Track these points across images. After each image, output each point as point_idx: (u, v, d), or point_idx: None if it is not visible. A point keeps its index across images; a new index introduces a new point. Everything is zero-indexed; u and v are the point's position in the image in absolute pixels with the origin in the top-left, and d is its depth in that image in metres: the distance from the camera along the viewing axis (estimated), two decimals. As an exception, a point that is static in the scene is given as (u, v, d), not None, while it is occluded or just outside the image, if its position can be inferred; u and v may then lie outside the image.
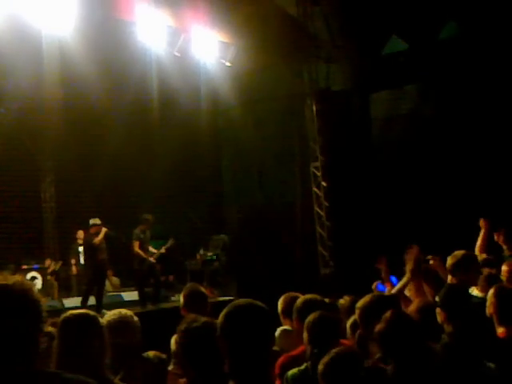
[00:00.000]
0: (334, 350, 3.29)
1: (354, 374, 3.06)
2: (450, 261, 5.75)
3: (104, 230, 12.22)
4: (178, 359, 3.58)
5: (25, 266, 13.99)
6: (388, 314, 3.64)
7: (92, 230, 12.24)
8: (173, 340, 3.76)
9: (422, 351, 3.53)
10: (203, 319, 3.24)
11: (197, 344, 3.11)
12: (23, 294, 2.17)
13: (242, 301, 2.63)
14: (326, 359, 3.17)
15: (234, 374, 2.53)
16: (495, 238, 7.17)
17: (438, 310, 4.16)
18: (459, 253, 5.77)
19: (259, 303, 2.61)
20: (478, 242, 7.08)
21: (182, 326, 3.32)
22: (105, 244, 12.29)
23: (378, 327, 3.61)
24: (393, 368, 3.49)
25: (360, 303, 4.28)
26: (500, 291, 4.35)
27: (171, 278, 15.24)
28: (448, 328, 3.99)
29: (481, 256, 6.64)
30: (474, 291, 5.32)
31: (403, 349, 3.49)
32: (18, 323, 2.13)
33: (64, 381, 2.19)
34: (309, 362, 3.81)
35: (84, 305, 11.44)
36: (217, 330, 2.59)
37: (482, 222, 7.20)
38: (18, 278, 2.27)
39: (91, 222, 12.31)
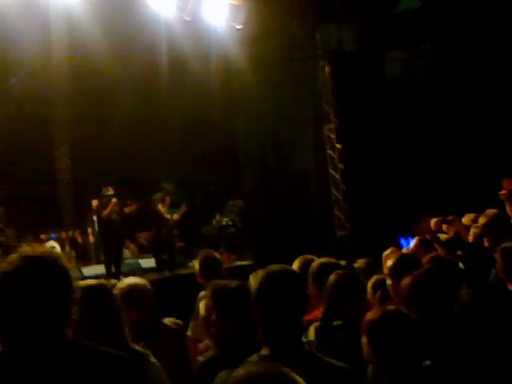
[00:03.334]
0: (380, 308, 3.24)
1: (403, 330, 3.01)
2: (482, 220, 5.54)
3: (113, 201, 11.95)
4: (207, 324, 3.55)
5: (43, 236, 14.10)
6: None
7: (104, 201, 12.02)
8: (201, 305, 3.73)
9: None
10: (236, 282, 3.23)
11: (232, 306, 3.10)
12: (54, 263, 2.12)
13: (276, 266, 2.61)
14: (372, 316, 3.08)
15: (268, 340, 2.51)
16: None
17: None
18: (491, 212, 5.56)
19: (293, 269, 2.65)
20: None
21: (213, 290, 3.29)
22: (116, 214, 12.06)
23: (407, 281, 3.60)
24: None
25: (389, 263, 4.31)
26: None
27: (183, 244, 15.17)
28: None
29: None
30: None
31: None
32: (51, 294, 2.09)
33: (98, 354, 2.17)
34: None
35: (109, 273, 11.50)
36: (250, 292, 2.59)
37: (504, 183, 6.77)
38: (45, 248, 2.23)
39: (103, 191, 12.07)
